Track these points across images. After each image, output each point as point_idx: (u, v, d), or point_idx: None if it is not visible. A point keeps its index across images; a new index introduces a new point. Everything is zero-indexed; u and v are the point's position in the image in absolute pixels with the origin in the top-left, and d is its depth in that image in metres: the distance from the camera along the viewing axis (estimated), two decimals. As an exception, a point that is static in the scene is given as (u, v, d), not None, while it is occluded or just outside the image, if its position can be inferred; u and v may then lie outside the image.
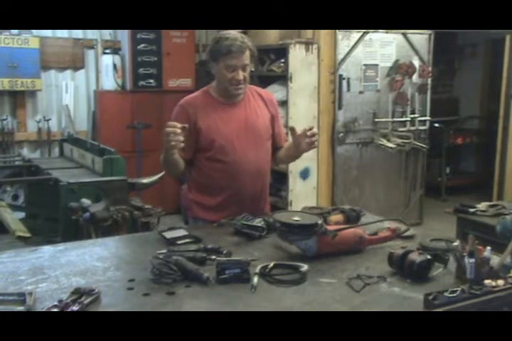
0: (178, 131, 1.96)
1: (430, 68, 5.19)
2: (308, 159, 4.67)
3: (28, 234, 3.06)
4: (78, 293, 1.47)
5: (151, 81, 5.51)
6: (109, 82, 5.55)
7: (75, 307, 1.36)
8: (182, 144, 1.98)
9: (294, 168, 4.71)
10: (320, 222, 1.79)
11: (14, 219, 3.36)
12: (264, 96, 2.36)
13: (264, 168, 2.36)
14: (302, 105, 4.71)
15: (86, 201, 3.15)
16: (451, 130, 6.63)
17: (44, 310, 1.34)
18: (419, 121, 5.23)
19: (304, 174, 4.80)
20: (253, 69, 2.75)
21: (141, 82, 5.49)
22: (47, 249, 1.93)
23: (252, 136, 2.26)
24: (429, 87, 5.25)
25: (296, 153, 2.26)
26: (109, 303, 1.46)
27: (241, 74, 2.14)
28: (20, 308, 1.37)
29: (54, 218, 3.55)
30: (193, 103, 2.25)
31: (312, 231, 1.77)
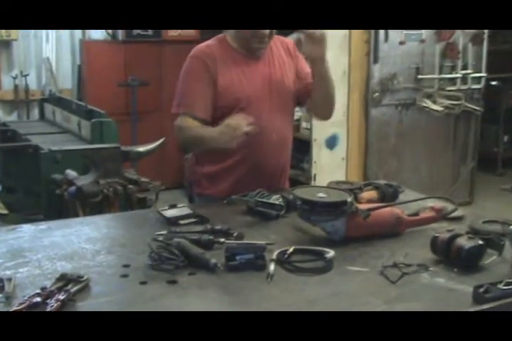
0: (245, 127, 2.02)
1: (488, 13, 5.07)
2: (335, 124, 4.64)
3: (4, 211, 3.11)
4: (64, 279, 1.48)
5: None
6: (98, 31, 5.51)
7: (61, 296, 1.39)
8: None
9: (319, 134, 4.68)
10: (349, 199, 1.79)
11: (-12, 194, 3.41)
12: (288, 46, 2.34)
13: (289, 137, 2.37)
14: (330, 57, 4.62)
15: (71, 173, 3.18)
16: (512, 89, 6.52)
17: (25, 298, 1.37)
18: (473, 78, 5.15)
19: (331, 142, 4.77)
20: None
21: (136, 31, 5.45)
22: (27, 228, 1.95)
23: (277, 98, 2.25)
24: (485, 36, 5.14)
25: (316, 71, 2.20)
26: (100, 292, 1.48)
27: None
28: (-2, 296, 1.40)
29: (35, 192, 3.60)
30: (211, 53, 2.21)
31: (340, 211, 1.77)
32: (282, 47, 2.33)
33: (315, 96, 2.30)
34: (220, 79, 2.19)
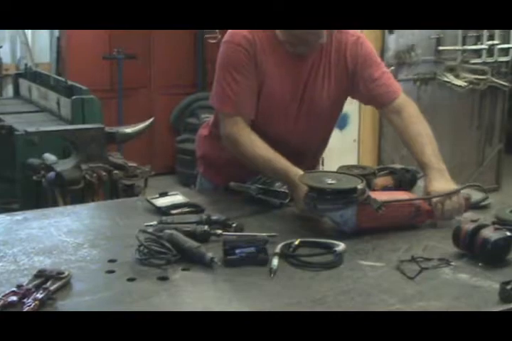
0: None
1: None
2: (346, 102, 4.62)
3: (-25, 200, 3.12)
4: (43, 276, 1.48)
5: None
6: (79, -4, 5.48)
7: (39, 295, 1.39)
8: None
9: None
10: (361, 186, 1.78)
11: (-43, 180, 3.41)
12: (346, 49, 2.15)
13: (312, 151, 2.30)
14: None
15: (50, 157, 3.17)
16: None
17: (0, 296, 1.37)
18: (500, 49, 5.13)
19: (342, 122, 4.75)
20: None
21: (122, -4, 5.42)
22: (1, 219, 1.95)
23: (306, 111, 2.16)
24: (515, 2, 5.11)
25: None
26: (83, 290, 1.48)
27: None
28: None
29: (9, 178, 3.59)
30: (253, 40, 2.09)
31: (350, 199, 1.76)
32: (336, 51, 2.15)
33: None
34: (259, 71, 2.08)
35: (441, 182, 1.96)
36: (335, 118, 2.34)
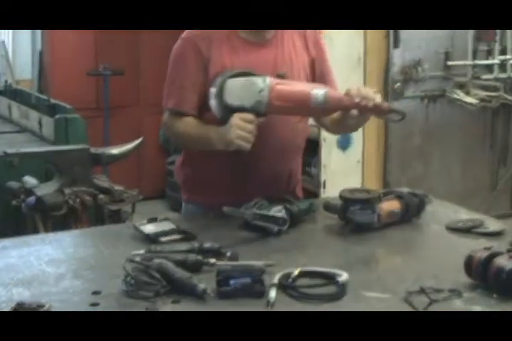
0: (251, 125, 2.03)
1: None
2: (349, 120, 4.64)
3: (-51, 226, 3.11)
4: (21, 309, 1.47)
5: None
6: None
7: (17, 331, 1.38)
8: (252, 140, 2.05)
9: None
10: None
11: None
12: (305, 32, 2.32)
13: (296, 143, 2.36)
14: (341, 40, 4.65)
15: (31, 180, 3.17)
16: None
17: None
18: (513, 64, 5.17)
19: (344, 142, 4.77)
20: None
21: (109, 9, 5.47)
22: (-24, 248, 1.95)
23: None
24: (528, 14, 5.16)
25: (344, 127, 2.25)
26: (64, 325, 1.47)
27: None
28: None
29: (-14, 204, 3.59)
30: (205, 35, 2.21)
31: None
32: (297, 33, 2.31)
33: (332, 124, 2.32)
34: (212, 65, 2.20)
35: None
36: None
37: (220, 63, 2.20)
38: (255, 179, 2.26)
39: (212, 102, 2.11)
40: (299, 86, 2.12)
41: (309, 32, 2.33)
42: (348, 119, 2.10)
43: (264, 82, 2.04)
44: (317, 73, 2.34)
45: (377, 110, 2.07)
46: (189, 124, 2.22)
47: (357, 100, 2.03)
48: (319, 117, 2.35)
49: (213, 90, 2.10)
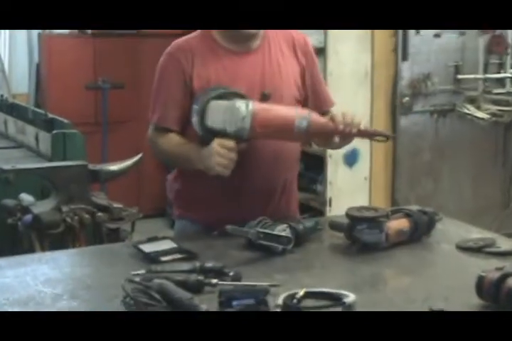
0: (232, 153, 2.07)
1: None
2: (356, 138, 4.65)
3: None
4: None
5: (123, 19, 5.54)
6: (61, 21, 5.56)
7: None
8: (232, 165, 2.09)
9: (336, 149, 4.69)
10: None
11: None
12: (294, 40, 2.37)
13: (289, 153, 2.37)
14: (347, 54, 4.67)
15: (27, 197, 3.17)
16: None
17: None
18: (526, 78, 5.17)
19: (351, 158, 4.78)
20: None
21: (108, 21, 5.51)
22: (-29, 267, 1.95)
23: (270, 102, 2.26)
24: (540, 27, 5.18)
25: (325, 146, 2.39)
26: (61, 348, 1.47)
27: None
28: None
29: (-20, 222, 3.59)
30: (188, 48, 2.28)
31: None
32: (283, 39, 2.35)
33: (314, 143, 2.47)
34: (196, 79, 2.24)
35: None
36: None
37: (204, 76, 2.24)
38: (249, 189, 2.28)
39: (194, 120, 2.15)
40: (282, 111, 2.14)
41: (298, 41, 2.37)
42: (330, 143, 2.18)
43: (247, 108, 2.06)
44: (308, 83, 2.38)
45: (361, 135, 2.17)
46: (172, 142, 2.27)
47: (341, 127, 2.09)
48: (303, 142, 2.45)
49: (195, 108, 2.13)
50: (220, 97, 2.12)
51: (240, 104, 2.07)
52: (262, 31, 2.29)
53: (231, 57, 2.28)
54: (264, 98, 2.14)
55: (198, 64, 2.25)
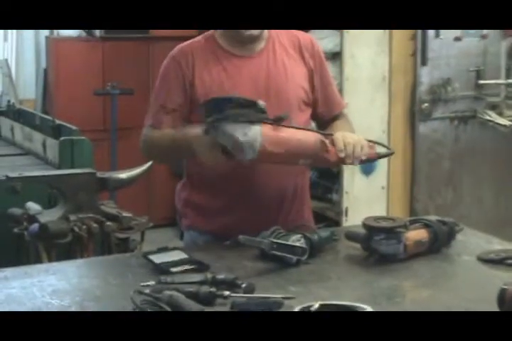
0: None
1: None
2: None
3: None
4: (23, 344, 1.49)
5: (133, 22, 5.57)
6: (69, 25, 5.60)
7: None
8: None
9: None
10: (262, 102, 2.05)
11: None
12: (300, 42, 2.37)
13: None
14: (364, 59, 4.67)
15: (34, 206, 3.19)
16: None
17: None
18: (550, 84, 5.16)
19: (368, 167, 4.76)
20: None
21: (118, 25, 5.53)
22: (-24, 278, 1.96)
23: (275, 106, 2.26)
24: None
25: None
26: (68, 361, 1.48)
27: None
28: None
29: (-14, 231, 3.61)
30: (190, 51, 2.31)
31: (254, 116, 2.05)
32: (289, 41, 2.36)
33: None
34: (198, 82, 2.27)
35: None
36: (307, 122, 2.46)
37: (207, 79, 2.26)
38: (259, 195, 2.28)
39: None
40: (291, 146, 2.10)
41: (304, 43, 2.37)
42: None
43: (256, 139, 2.03)
44: (317, 86, 2.38)
45: (363, 163, 2.20)
46: (167, 131, 2.31)
47: (342, 155, 2.10)
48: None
49: (207, 120, 2.09)
50: (230, 114, 2.07)
51: (253, 131, 2.04)
52: (265, 33, 2.31)
53: (234, 60, 2.29)
54: (279, 120, 2.10)
55: (200, 67, 2.28)
